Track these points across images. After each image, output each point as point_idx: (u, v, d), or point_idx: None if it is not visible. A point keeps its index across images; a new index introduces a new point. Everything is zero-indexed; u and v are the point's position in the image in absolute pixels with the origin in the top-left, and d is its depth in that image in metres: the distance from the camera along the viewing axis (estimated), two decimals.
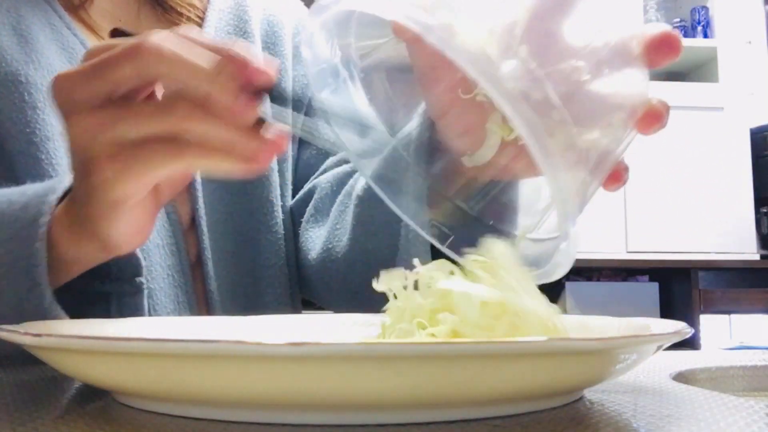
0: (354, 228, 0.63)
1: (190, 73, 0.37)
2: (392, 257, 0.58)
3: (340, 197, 0.67)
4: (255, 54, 0.37)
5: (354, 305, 0.61)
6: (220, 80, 0.37)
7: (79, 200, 0.44)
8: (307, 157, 0.76)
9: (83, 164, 0.41)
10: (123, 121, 0.39)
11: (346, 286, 0.65)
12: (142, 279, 0.56)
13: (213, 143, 0.38)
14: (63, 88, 0.40)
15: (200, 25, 0.71)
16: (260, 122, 0.38)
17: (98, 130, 0.39)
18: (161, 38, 0.38)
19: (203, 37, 0.39)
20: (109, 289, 0.55)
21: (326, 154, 0.75)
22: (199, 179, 0.65)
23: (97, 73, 0.39)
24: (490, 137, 0.43)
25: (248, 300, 0.69)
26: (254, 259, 0.70)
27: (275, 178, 0.71)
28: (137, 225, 0.44)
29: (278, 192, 0.72)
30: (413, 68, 0.47)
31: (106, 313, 0.55)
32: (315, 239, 0.69)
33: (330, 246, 0.66)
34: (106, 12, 0.68)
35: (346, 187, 0.67)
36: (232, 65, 0.37)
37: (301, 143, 0.77)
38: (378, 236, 0.60)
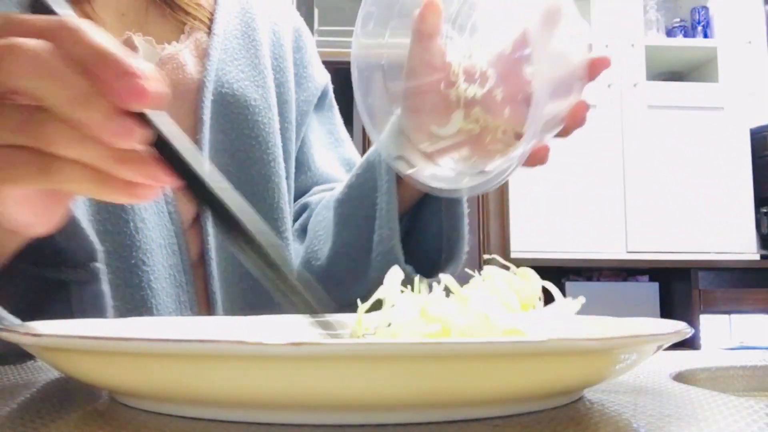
0: (336, 225, 0.68)
1: (58, 97, 0.31)
2: (369, 248, 0.64)
3: (317, 209, 0.73)
4: (145, 69, 0.31)
5: (335, 297, 0.64)
6: (94, 100, 0.31)
7: None
8: (301, 180, 0.79)
9: None
10: None
11: (329, 280, 0.69)
12: (98, 264, 0.54)
13: (85, 166, 0.33)
14: None
15: (209, 27, 0.71)
16: (155, 148, 0.33)
17: None
18: (37, 44, 0.31)
19: (88, 37, 0.32)
20: (65, 276, 0.53)
21: (317, 181, 0.79)
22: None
23: None
24: (452, 123, 0.54)
25: (248, 301, 0.69)
26: None
27: (284, 186, 0.72)
28: (35, 214, 0.37)
29: (287, 198, 0.72)
30: (409, 61, 0.55)
31: (66, 303, 0.53)
32: (298, 251, 0.73)
33: (315, 248, 0.71)
34: (111, 7, 0.67)
35: (323, 202, 0.72)
36: (111, 82, 0.31)
37: (297, 169, 0.78)
38: (360, 229, 0.66)
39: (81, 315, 0.53)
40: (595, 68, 0.52)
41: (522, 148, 0.47)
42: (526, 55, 0.51)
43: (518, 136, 0.52)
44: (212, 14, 0.72)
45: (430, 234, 0.67)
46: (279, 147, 0.72)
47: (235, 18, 0.73)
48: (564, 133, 0.54)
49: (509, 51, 0.52)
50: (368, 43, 0.54)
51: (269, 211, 0.70)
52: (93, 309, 0.55)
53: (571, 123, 0.53)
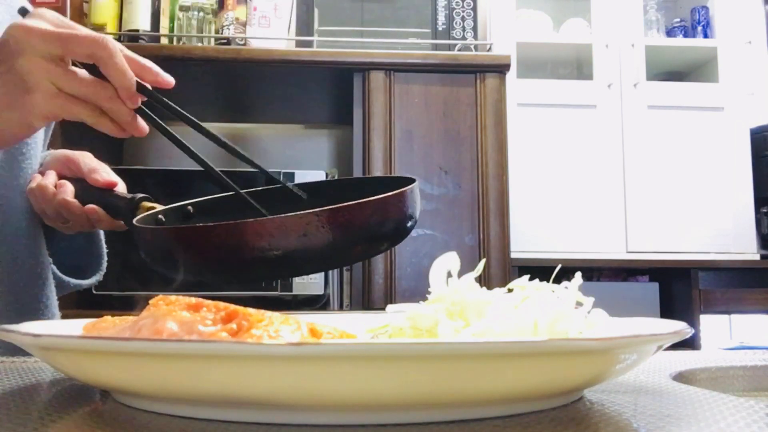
0: None
1: (120, 74, 0.57)
2: None
3: None
4: (155, 67, 0.60)
5: None
6: (131, 86, 0.58)
7: None
8: None
9: (19, 88, 0.56)
10: (70, 79, 0.56)
11: None
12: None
13: (112, 115, 0.58)
14: (30, 35, 0.55)
15: None
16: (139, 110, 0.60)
17: (49, 75, 0.56)
18: (113, 42, 0.57)
19: (130, 53, 0.59)
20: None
21: None
22: None
23: (62, 40, 0.55)
24: None
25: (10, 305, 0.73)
26: None
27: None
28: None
29: None
30: None
31: None
32: None
33: None
34: None
35: None
36: (154, 74, 0.60)
37: None
38: None
39: None
40: None
41: None
42: None
43: None
44: None
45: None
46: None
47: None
48: None
49: None
50: None
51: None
52: None
53: None
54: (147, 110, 0.60)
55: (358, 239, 0.56)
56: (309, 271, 0.60)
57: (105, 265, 0.86)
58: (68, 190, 0.73)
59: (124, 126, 0.59)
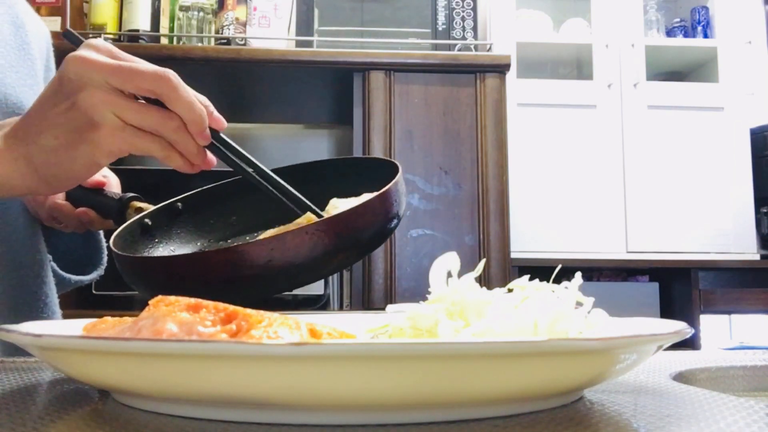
0: None
1: (188, 107, 0.55)
2: None
3: None
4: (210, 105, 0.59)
5: None
6: (202, 121, 0.56)
7: (45, 135, 0.54)
8: None
9: (84, 124, 0.53)
10: (135, 111, 0.54)
11: None
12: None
13: (179, 147, 0.56)
14: (88, 67, 0.53)
15: None
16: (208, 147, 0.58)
17: (113, 107, 0.53)
18: (176, 76, 0.55)
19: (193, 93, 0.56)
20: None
21: None
22: None
23: (124, 74, 0.53)
24: None
25: (11, 302, 0.72)
26: None
27: None
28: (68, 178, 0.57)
29: None
30: None
31: None
32: None
33: None
34: None
35: None
36: (208, 114, 0.57)
37: None
38: None
39: None
40: None
41: None
42: None
43: None
44: None
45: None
46: None
47: (8, 27, 0.77)
48: None
49: None
50: None
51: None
52: None
53: None
54: (216, 143, 0.59)
55: (339, 250, 0.54)
56: (289, 287, 0.58)
57: (105, 260, 0.86)
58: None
59: (193, 159, 0.57)
